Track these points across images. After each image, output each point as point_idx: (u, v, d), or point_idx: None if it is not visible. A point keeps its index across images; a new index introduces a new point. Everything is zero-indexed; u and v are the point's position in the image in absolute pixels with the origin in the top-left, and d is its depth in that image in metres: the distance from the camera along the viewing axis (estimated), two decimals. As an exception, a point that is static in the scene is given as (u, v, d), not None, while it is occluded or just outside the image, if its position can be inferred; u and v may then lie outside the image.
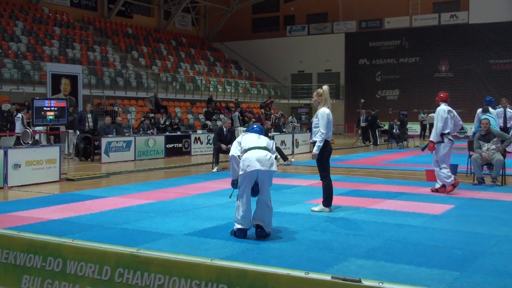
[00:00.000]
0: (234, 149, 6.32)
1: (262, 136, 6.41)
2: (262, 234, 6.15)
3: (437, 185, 9.84)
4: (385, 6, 37.82)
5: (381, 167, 15.00)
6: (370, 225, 6.93)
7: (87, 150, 16.94)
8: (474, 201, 8.92)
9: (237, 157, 6.21)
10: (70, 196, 9.41)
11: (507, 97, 15.44)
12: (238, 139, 6.45)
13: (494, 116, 13.01)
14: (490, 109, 13.18)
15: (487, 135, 10.87)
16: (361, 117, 26.30)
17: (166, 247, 5.64)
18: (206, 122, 26.61)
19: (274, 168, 6.15)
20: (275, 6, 42.54)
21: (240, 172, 6.10)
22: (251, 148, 6.16)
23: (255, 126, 6.66)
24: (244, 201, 6.10)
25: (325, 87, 7.89)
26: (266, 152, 6.14)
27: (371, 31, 38.78)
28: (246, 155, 6.11)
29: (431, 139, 9.88)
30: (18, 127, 16.20)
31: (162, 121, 22.64)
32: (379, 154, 19.91)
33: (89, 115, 17.47)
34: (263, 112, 30.57)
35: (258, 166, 6.00)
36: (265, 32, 42.63)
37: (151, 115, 22.79)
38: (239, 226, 6.16)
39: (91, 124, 17.36)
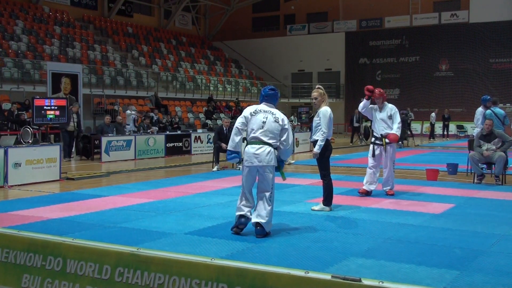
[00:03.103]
0: (239, 122, 6.24)
1: (268, 119, 6.14)
2: (261, 232, 6.14)
3: (371, 187, 9.38)
4: (386, 5, 37.79)
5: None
6: (370, 224, 6.93)
7: (87, 149, 16.93)
8: (474, 200, 8.92)
9: (239, 130, 6.21)
10: (70, 195, 9.41)
11: (507, 97, 15.32)
12: (245, 113, 6.27)
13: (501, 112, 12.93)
14: (498, 109, 13.10)
15: (488, 135, 10.85)
16: (354, 117, 26.14)
17: (166, 246, 5.63)
18: (206, 121, 26.61)
19: (273, 163, 6.14)
20: (275, 5, 42.50)
21: (244, 163, 6.21)
22: (252, 140, 6.14)
23: (268, 89, 6.35)
24: (245, 190, 6.26)
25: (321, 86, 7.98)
26: (265, 146, 6.11)
27: (371, 30, 38.74)
28: (247, 148, 6.18)
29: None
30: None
31: (163, 121, 22.63)
32: (379, 153, 19.83)
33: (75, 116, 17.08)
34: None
35: (256, 163, 6.07)
36: (265, 31, 42.58)
37: (151, 114, 22.79)
38: (238, 213, 6.27)
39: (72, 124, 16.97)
